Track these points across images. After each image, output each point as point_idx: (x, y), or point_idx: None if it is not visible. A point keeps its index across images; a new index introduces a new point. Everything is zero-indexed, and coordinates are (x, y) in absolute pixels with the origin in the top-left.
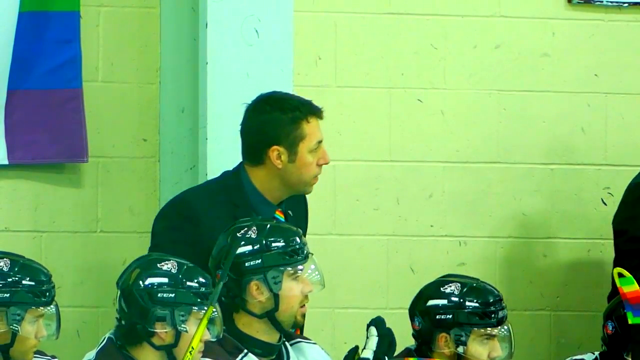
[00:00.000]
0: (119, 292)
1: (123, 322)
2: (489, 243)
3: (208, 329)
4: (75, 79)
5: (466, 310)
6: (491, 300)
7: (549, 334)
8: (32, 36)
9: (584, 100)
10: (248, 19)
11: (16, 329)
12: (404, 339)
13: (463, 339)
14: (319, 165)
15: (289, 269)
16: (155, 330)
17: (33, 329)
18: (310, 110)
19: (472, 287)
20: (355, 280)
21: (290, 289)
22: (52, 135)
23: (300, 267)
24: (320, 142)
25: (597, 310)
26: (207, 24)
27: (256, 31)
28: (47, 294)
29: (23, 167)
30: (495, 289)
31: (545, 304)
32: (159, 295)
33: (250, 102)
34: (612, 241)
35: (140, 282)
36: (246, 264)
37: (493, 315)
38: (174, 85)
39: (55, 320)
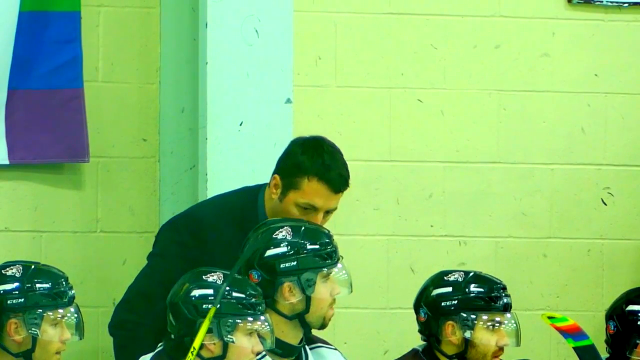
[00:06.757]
0: (168, 307)
1: (172, 336)
2: (489, 243)
3: (260, 341)
4: (76, 78)
5: (471, 295)
6: (495, 286)
7: (549, 334)
8: (32, 36)
9: (584, 100)
10: (248, 19)
11: (35, 332)
12: (404, 338)
13: (469, 324)
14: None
15: (324, 271)
16: (203, 342)
17: (55, 332)
18: (317, 172)
19: (476, 275)
20: (355, 280)
21: (322, 291)
22: (53, 135)
23: (332, 269)
24: (312, 206)
25: (596, 310)
26: (207, 24)
27: (256, 31)
28: (64, 295)
29: (23, 167)
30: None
31: (545, 304)
32: (204, 306)
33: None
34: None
35: (187, 295)
36: (281, 266)
37: (498, 301)
38: (174, 85)
39: (75, 321)
